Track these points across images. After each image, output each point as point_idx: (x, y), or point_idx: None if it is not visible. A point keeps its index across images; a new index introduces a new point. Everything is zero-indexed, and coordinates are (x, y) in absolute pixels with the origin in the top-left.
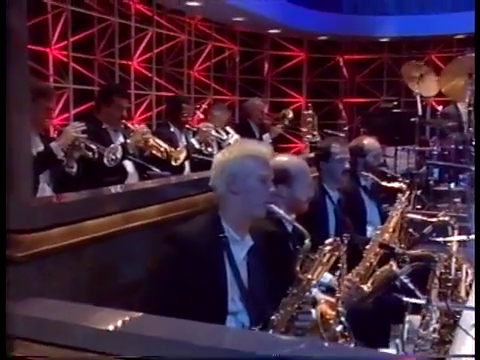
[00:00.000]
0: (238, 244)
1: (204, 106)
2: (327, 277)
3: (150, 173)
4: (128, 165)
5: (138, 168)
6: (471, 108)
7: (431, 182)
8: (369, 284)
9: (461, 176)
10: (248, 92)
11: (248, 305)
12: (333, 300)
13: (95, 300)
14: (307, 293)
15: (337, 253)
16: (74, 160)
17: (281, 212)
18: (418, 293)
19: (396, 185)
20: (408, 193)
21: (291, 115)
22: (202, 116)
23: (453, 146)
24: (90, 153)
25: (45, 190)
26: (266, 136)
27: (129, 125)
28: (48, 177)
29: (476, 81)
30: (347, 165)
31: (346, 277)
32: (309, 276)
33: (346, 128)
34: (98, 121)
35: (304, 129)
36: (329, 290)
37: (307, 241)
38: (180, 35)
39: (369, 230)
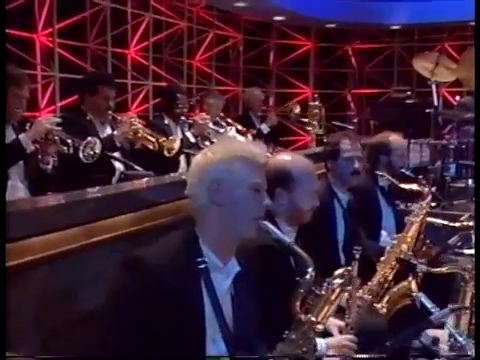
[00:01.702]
0: (220, 272)
1: None
2: None
3: (128, 173)
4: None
5: (125, 163)
6: None
7: (447, 178)
8: (384, 302)
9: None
10: (253, 83)
11: (232, 348)
12: (342, 324)
13: (42, 334)
14: (309, 340)
15: (349, 288)
16: (49, 155)
17: (277, 232)
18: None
19: (415, 188)
20: (430, 198)
21: (298, 109)
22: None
23: (471, 140)
24: (65, 148)
25: (17, 188)
26: (263, 126)
27: (117, 116)
28: (22, 173)
29: (476, 80)
30: (357, 165)
31: (357, 294)
32: (313, 318)
33: (355, 120)
34: (83, 112)
35: (310, 121)
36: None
37: (310, 271)
38: (180, 22)
39: (383, 235)
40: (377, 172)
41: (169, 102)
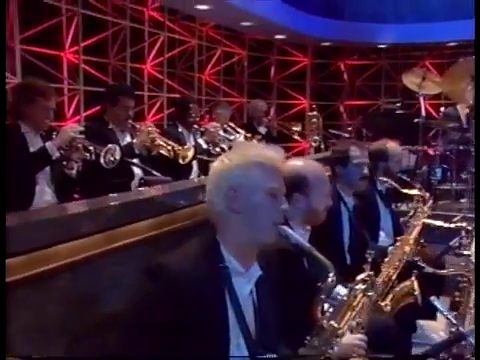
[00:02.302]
0: (242, 276)
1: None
2: (341, 292)
3: (147, 179)
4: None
5: (143, 169)
6: (468, 110)
7: (433, 181)
8: (388, 301)
9: (464, 176)
10: (256, 94)
11: (256, 352)
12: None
13: (66, 339)
14: (331, 346)
15: (371, 293)
16: (73, 161)
17: (297, 238)
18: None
19: (416, 192)
20: (431, 202)
21: (299, 128)
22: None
23: (455, 146)
24: (88, 154)
25: (45, 192)
26: (261, 128)
27: (136, 125)
28: (49, 178)
29: (476, 82)
30: (366, 171)
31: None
32: (335, 324)
33: (349, 128)
34: (105, 121)
35: (309, 129)
36: None
37: (331, 275)
38: (191, 40)
39: (382, 235)
40: (380, 178)
41: (183, 112)
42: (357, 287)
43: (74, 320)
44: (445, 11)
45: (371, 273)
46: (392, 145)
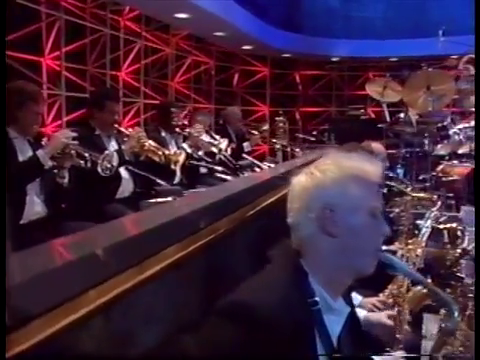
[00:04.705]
0: (333, 313)
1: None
2: (357, 298)
3: (159, 189)
4: (123, 172)
5: (133, 174)
6: (417, 116)
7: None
8: (405, 303)
9: (422, 177)
10: (222, 101)
11: None
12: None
13: None
14: None
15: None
16: (66, 169)
17: (406, 267)
18: None
19: (424, 195)
20: (439, 204)
21: (267, 127)
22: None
23: (414, 149)
24: (82, 161)
25: (35, 203)
26: (246, 144)
27: (122, 130)
28: (38, 187)
29: (476, 84)
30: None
31: (379, 299)
32: None
33: (314, 132)
34: (91, 127)
35: (277, 134)
36: None
37: (456, 314)
38: (165, 48)
39: None
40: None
41: (165, 116)
42: None
43: None
44: (387, 30)
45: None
46: (377, 145)
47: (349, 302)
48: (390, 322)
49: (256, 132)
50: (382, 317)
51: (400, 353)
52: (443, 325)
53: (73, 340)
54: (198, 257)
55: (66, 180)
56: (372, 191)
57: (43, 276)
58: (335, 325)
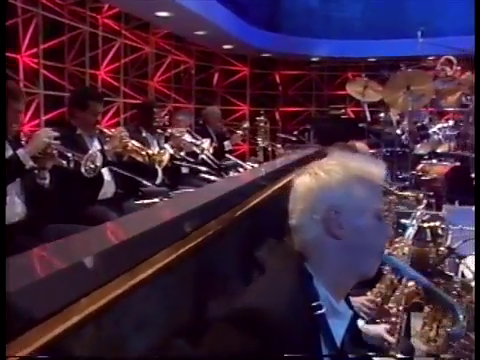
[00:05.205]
0: (337, 317)
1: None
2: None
3: (145, 190)
4: (105, 173)
5: (115, 175)
6: (397, 116)
7: None
8: (393, 303)
9: (402, 175)
10: (202, 101)
11: None
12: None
13: None
14: None
15: None
16: (47, 170)
17: (412, 272)
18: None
19: (410, 194)
20: (425, 202)
21: (247, 125)
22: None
23: (395, 148)
24: (64, 162)
25: (15, 203)
26: (227, 143)
27: (105, 130)
28: (19, 188)
29: (476, 85)
30: None
31: (367, 298)
32: None
33: (295, 132)
34: (72, 127)
35: (258, 133)
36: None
37: (461, 318)
38: (145, 47)
39: None
40: None
41: (146, 116)
42: None
43: None
44: (366, 31)
45: None
46: (361, 145)
47: (349, 304)
48: (392, 339)
49: (238, 131)
50: (381, 332)
51: (399, 356)
52: (449, 330)
53: (66, 349)
54: (188, 260)
55: (47, 181)
56: (377, 193)
57: (35, 285)
58: (339, 328)
